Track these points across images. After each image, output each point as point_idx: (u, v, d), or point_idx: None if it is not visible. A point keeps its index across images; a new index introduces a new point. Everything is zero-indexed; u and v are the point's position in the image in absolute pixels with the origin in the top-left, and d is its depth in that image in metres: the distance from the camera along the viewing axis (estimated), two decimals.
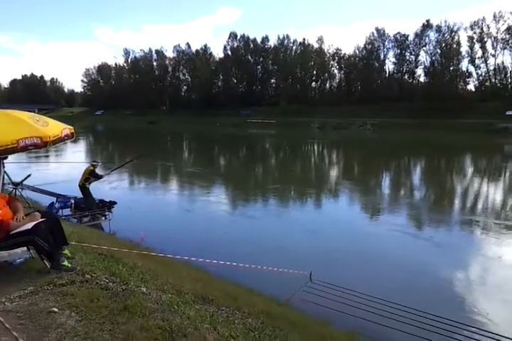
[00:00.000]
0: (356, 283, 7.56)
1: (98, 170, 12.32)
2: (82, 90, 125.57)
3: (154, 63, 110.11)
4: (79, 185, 11.91)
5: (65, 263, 3.93)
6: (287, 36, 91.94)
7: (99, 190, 12.50)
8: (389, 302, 5.87)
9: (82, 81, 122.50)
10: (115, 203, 11.99)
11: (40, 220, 3.92)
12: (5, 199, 4.13)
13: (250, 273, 7.25)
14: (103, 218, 11.82)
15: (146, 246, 9.46)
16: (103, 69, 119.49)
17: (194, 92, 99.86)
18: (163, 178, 22.54)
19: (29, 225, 3.82)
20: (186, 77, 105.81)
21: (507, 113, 56.58)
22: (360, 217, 14.23)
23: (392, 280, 8.02)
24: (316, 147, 46.53)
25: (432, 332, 5.47)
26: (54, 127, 4.24)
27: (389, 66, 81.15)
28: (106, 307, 3.11)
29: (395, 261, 9.18)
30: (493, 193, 19.71)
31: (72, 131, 4.67)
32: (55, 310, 3.06)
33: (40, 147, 3.86)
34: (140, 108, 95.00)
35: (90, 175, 11.98)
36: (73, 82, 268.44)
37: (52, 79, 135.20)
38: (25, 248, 3.86)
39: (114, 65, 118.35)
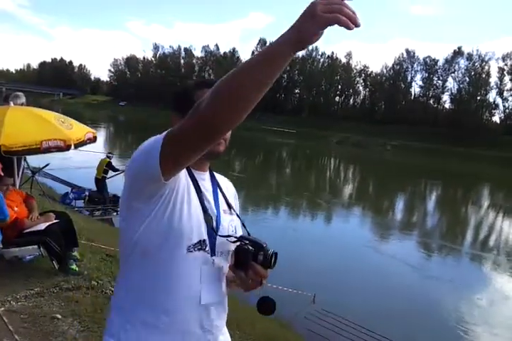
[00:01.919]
0: (356, 311, 7.49)
1: (113, 163, 12.45)
2: (108, 79, 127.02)
3: (182, 61, 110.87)
4: (96, 178, 12.00)
5: (73, 266, 3.93)
6: (316, 48, 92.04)
7: (114, 184, 12.47)
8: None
9: (109, 70, 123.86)
10: None
11: (54, 222, 3.93)
12: (22, 197, 4.16)
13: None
14: (114, 213, 11.87)
15: None
16: (131, 61, 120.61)
17: None
18: None
19: (42, 226, 3.83)
20: (212, 77, 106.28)
21: None
22: (368, 241, 14.07)
23: (392, 314, 7.89)
24: (332, 162, 46.35)
25: None
26: (78, 130, 4.26)
27: (415, 89, 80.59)
28: None
29: (400, 295, 9.03)
30: (507, 228, 19.45)
31: (95, 134, 4.69)
32: (59, 316, 3.05)
33: (62, 150, 3.88)
34: (163, 104, 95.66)
35: (108, 167, 12.09)
36: (100, 71, 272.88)
37: (81, 65, 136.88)
38: (36, 246, 3.88)
39: (142, 58, 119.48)
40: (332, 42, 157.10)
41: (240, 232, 1.41)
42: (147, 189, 1.17)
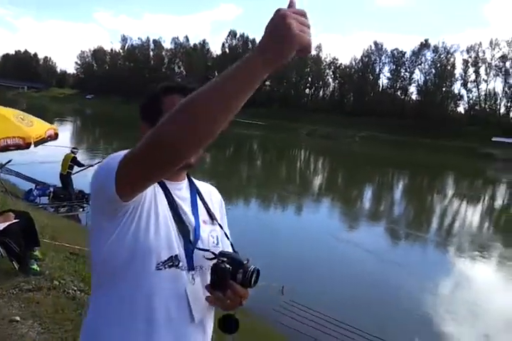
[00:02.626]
0: (325, 301, 7.63)
1: (79, 158, 12.23)
2: (75, 72, 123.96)
3: (151, 53, 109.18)
4: (60, 174, 11.75)
5: (34, 266, 3.85)
6: None
7: (79, 180, 12.23)
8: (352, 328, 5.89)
9: (76, 63, 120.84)
10: None
11: (13, 221, 3.84)
12: None
13: None
14: (81, 209, 11.68)
15: None
16: (98, 53, 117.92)
17: None
18: None
19: (1, 226, 3.74)
20: (181, 70, 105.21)
21: (493, 139, 57.48)
22: (336, 231, 14.28)
23: (359, 302, 8.06)
24: (302, 153, 46.70)
25: None
26: (38, 127, 4.15)
27: (383, 80, 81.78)
28: (71, 320, 3.05)
29: (367, 283, 9.21)
30: (470, 216, 20.17)
31: (57, 131, 4.59)
32: (18, 318, 2.99)
33: (22, 148, 3.78)
34: (131, 96, 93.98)
35: (73, 163, 11.86)
36: (66, 63, 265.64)
37: (46, 57, 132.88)
38: None
39: (109, 51, 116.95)
40: None
41: (222, 244, 1.32)
42: (109, 207, 1.11)
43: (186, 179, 1.34)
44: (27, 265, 3.81)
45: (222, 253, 1.20)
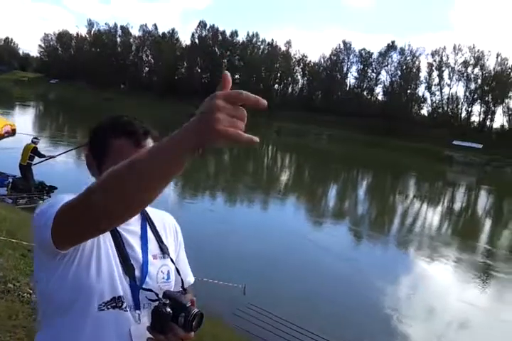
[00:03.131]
0: (285, 302, 7.68)
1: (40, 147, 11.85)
2: (39, 55, 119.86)
3: (118, 39, 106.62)
4: (20, 164, 11.36)
5: None
6: (256, 34, 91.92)
7: (40, 170, 11.87)
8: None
9: (40, 46, 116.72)
10: (55, 188, 11.51)
11: None
12: None
13: None
14: (40, 202, 11.30)
15: None
16: (63, 37, 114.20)
17: (156, 75, 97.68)
18: None
19: None
20: (150, 58, 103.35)
21: (454, 142, 59.28)
22: (298, 229, 14.44)
23: (319, 303, 8.16)
24: (269, 151, 46.82)
25: None
26: None
27: (350, 80, 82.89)
28: (23, 327, 2.93)
29: (327, 282, 9.34)
30: (430, 215, 20.89)
31: (14, 127, 4.42)
32: None
33: None
34: (97, 83, 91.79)
35: (33, 153, 11.49)
36: (30, 45, 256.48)
37: (7, 38, 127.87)
38: None
39: (75, 35, 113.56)
40: (272, 28, 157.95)
41: (174, 278, 1.30)
42: (49, 249, 1.06)
43: (139, 216, 1.29)
44: None
45: (166, 295, 1.18)
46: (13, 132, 4.34)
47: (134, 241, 1.24)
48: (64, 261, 1.10)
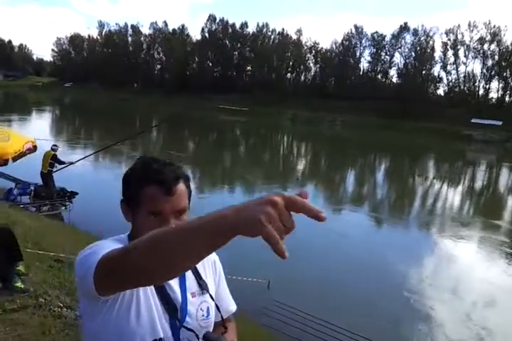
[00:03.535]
0: (312, 297, 7.77)
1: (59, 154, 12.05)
2: (52, 60, 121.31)
3: (129, 38, 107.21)
4: (41, 172, 11.60)
5: (18, 284, 3.83)
6: (266, 24, 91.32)
7: (61, 177, 12.10)
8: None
9: (53, 50, 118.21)
10: (77, 194, 11.73)
11: None
12: None
13: None
14: (63, 208, 11.58)
15: None
16: (75, 40, 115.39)
17: (168, 72, 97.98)
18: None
19: None
20: (161, 56, 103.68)
21: (472, 120, 58.21)
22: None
23: (344, 296, 8.22)
24: (285, 139, 46.79)
25: None
26: (16, 141, 4.07)
27: (364, 64, 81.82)
28: None
29: (351, 273, 9.36)
30: (451, 195, 20.76)
31: (35, 143, 4.52)
32: None
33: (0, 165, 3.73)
34: (111, 83, 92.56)
35: (53, 161, 11.69)
36: (43, 50, 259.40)
37: (21, 45, 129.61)
38: None
39: (87, 37, 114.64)
40: (282, 17, 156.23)
41: (212, 315, 1.31)
42: (90, 296, 1.09)
43: None
44: (10, 283, 3.79)
45: (205, 337, 1.21)
46: (34, 149, 4.46)
47: (172, 280, 1.23)
48: (106, 305, 1.12)
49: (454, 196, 20.96)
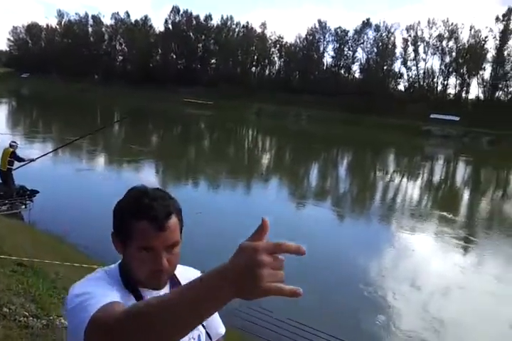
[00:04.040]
0: None
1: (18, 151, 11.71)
2: (8, 49, 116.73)
3: (90, 29, 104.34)
4: (0, 170, 11.26)
5: None
6: (231, 17, 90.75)
7: (21, 174, 11.77)
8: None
9: (9, 39, 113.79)
10: (37, 192, 11.47)
11: None
12: None
13: None
14: (23, 207, 11.31)
15: (70, 242, 9.27)
16: (33, 29, 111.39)
17: (130, 64, 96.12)
18: (99, 163, 21.43)
19: None
20: (123, 47, 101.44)
21: (431, 116, 59.93)
22: (283, 209, 14.84)
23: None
24: (250, 133, 46.91)
25: None
26: None
27: (327, 59, 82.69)
28: None
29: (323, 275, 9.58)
30: (410, 189, 21.53)
31: None
32: None
33: None
34: (70, 74, 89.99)
35: (12, 158, 11.37)
36: None
37: None
38: None
39: (45, 26, 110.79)
40: (246, 9, 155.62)
41: None
42: None
43: (168, 283, 1.25)
44: None
45: None
46: None
47: None
48: None
49: (412, 190, 21.75)
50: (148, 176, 18.46)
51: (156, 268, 1.13)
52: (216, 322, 1.42)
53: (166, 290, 1.23)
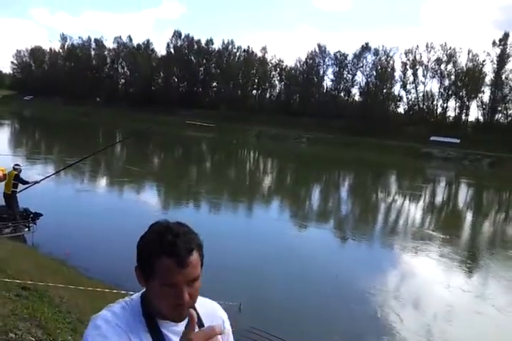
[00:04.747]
0: (285, 317, 7.83)
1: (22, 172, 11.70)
2: (12, 72, 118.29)
3: (92, 52, 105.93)
4: (4, 193, 11.23)
5: None
6: (232, 41, 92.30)
7: (25, 197, 11.75)
8: None
9: (13, 63, 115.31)
10: (41, 215, 11.42)
11: None
12: None
13: None
14: (26, 229, 11.24)
15: (72, 264, 9.19)
16: (36, 52, 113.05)
17: (132, 87, 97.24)
18: (100, 185, 21.40)
19: None
20: (125, 70, 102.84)
21: (431, 138, 60.26)
22: (286, 232, 14.79)
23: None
24: (251, 155, 47.06)
25: None
26: None
27: (327, 82, 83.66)
28: None
29: (322, 294, 9.49)
30: (412, 211, 21.46)
31: (5, 172, 4.45)
32: None
33: None
34: (72, 97, 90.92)
35: (16, 181, 11.36)
36: (2, 62, 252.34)
37: None
38: None
39: (48, 50, 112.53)
40: (247, 33, 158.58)
41: None
42: None
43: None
44: None
45: None
46: (4, 177, 4.39)
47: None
48: None
49: (414, 212, 21.64)
50: (151, 198, 18.44)
51: (178, 302, 1.17)
52: None
53: (184, 321, 1.24)
